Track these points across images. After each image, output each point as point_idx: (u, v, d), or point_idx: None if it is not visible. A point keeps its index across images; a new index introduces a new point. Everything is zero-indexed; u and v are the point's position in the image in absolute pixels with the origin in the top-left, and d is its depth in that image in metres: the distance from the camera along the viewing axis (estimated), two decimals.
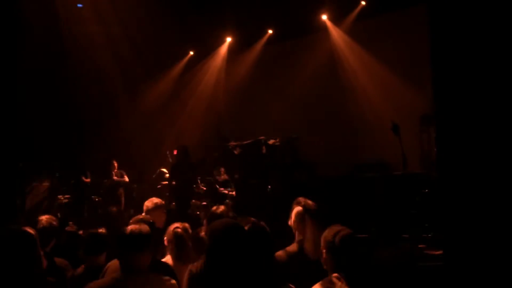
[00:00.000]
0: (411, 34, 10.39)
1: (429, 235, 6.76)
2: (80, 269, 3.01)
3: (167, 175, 9.71)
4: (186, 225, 3.52)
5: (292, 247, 3.21)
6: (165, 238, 3.38)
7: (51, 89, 11.72)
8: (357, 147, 11.14)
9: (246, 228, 2.11)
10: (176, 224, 3.43)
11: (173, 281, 2.23)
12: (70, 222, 10.46)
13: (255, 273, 1.64)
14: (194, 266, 2.76)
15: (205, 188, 9.14)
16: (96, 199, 11.01)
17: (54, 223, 3.17)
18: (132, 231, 2.21)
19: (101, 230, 3.29)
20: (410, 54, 10.39)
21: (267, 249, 1.80)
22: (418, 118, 9.40)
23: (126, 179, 9.73)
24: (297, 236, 3.15)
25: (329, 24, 12.13)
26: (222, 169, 10.34)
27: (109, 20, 12.56)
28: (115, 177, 9.25)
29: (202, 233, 3.22)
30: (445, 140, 5.46)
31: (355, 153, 11.05)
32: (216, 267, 1.61)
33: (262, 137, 11.62)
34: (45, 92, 11.54)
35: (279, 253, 3.06)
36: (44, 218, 3.14)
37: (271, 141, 11.21)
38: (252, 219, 2.54)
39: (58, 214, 10.54)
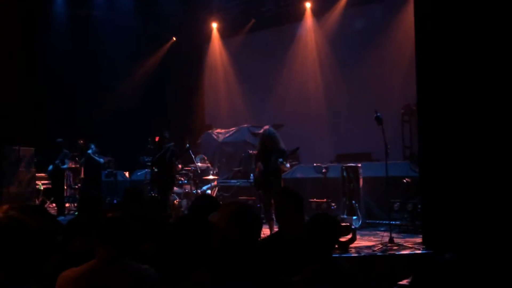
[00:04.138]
0: (395, 24, 10.43)
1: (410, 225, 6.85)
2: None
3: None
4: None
5: (274, 235, 3.21)
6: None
7: (30, 72, 11.46)
8: (340, 136, 11.19)
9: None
10: (152, 211, 3.41)
11: (153, 270, 2.18)
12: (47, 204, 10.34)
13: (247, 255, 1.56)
14: None
15: (182, 178, 9.07)
16: (77, 186, 10.86)
17: (28, 209, 3.06)
18: (112, 224, 2.13)
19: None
20: (394, 45, 10.42)
21: (258, 230, 1.75)
22: (400, 109, 9.48)
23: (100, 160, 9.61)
24: (280, 224, 3.14)
25: (312, 13, 12.06)
26: (204, 157, 10.28)
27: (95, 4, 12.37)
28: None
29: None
30: (427, 130, 5.52)
31: (338, 142, 11.11)
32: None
33: (246, 125, 11.62)
34: (23, 73, 11.28)
35: (263, 240, 3.05)
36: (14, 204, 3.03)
37: (255, 129, 11.20)
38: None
39: (37, 200, 10.38)
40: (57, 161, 9.44)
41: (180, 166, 8.22)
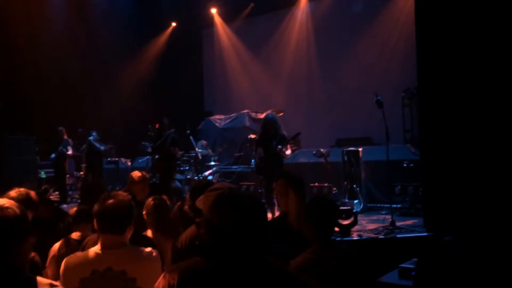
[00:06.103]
0: (395, 6, 10.33)
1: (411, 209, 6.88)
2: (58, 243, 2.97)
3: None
4: (164, 197, 3.50)
5: (277, 219, 3.22)
6: (144, 211, 3.37)
7: (30, 60, 11.41)
8: (340, 121, 11.17)
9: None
10: (154, 197, 3.43)
11: (155, 253, 2.21)
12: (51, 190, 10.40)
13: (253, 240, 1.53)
14: (180, 240, 2.74)
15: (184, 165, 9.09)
16: (80, 173, 10.88)
17: (31, 196, 3.07)
18: (112, 212, 2.11)
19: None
20: (394, 28, 10.34)
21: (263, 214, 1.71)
22: (401, 92, 9.44)
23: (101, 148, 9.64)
24: (281, 208, 3.15)
25: None
26: (205, 143, 10.29)
27: None
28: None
29: (186, 207, 3.17)
30: (427, 114, 5.51)
31: (338, 127, 11.10)
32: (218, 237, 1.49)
33: (246, 111, 11.59)
34: (25, 63, 11.25)
35: None
36: (19, 190, 3.03)
37: (255, 115, 11.18)
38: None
39: (42, 188, 10.42)
40: (60, 147, 9.48)
41: (179, 152, 8.23)
